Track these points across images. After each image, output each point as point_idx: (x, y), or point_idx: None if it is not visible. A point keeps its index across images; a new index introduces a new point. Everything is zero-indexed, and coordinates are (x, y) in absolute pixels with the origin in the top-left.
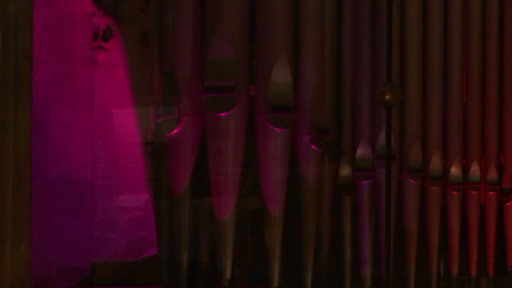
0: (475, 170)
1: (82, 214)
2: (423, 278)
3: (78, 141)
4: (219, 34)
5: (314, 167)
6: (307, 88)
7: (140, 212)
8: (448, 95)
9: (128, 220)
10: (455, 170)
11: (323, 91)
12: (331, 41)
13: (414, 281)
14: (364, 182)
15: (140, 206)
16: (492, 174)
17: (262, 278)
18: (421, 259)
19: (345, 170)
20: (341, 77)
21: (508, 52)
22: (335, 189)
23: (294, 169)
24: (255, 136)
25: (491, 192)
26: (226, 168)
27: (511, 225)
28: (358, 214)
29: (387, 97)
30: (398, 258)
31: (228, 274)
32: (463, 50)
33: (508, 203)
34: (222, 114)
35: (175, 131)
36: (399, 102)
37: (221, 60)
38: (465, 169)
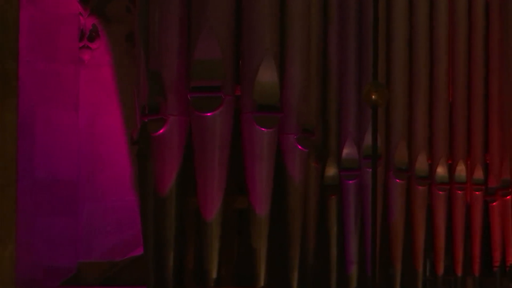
0: (461, 170)
1: (69, 214)
2: (409, 278)
3: (65, 141)
4: (205, 34)
5: (300, 167)
6: (293, 88)
7: (126, 212)
8: (434, 95)
9: (114, 220)
10: (441, 170)
11: (309, 91)
12: (317, 41)
13: (400, 281)
14: (350, 182)
15: (126, 206)
16: (478, 174)
17: (248, 278)
18: (407, 259)
19: (331, 170)
20: (327, 77)
21: (493, 52)
22: (321, 189)
23: (280, 169)
24: (241, 136)
25: (477, 192)
26: (212, 168)
27: (497, 225)
28: (344, 214)
29: (373, 97)
30: (384, 258)
31: (214, 274)
32: (449, 50)
33: (494, 203)
34: (209, 114)
35: (161, 131)
36: (385, 102)
37: (208, 60)
38: (451, 169)
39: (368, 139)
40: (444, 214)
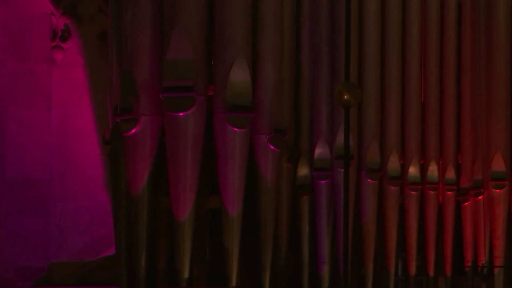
0: (433, 170)
1: (40, 214)
2: (381, 278)
3: (36, 141)
4: (177, 34)
5: (272, 167)
6: (266, 88)
7: (98, 211)
8: (406, 95)
9: (86, 220)
10: (413, 170)
11: (281, 91)
12: (290, 41)
13: (372, 281)
14: (322, 182)
15: (98, 205)
16: (450, 174)
17: (220, 278)
18: (379, 259)
19: (303, 170)
20: (299, 77)
21: (465, 53)
22: (293, 189)
23: (252, 169)
24: (213, 136)
25: (449, 192)
26: (184, 168)
27: (469, 225)
28: (316, 214)
29: (345, 97)
30: (356, 258)
31: (186, 274)
32: (421, 50)
33: (466, 203)
34: (181, 114)
35: (133, 130)
36: (357, 102)
37: (180, 60)
38: (423, 169)
39: (340, 139)
40: (416, 214)
